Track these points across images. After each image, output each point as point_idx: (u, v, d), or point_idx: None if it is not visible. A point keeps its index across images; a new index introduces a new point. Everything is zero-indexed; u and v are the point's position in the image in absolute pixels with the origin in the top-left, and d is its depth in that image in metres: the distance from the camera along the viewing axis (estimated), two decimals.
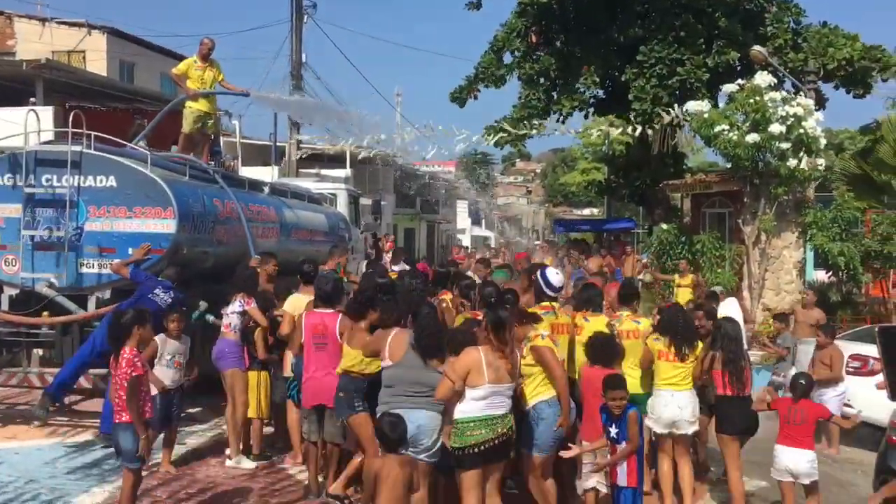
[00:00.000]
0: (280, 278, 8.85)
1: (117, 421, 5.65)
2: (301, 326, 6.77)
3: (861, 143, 24.07)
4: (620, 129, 16.61)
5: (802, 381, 6.40)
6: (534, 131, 18.90)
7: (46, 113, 14.58)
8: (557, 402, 5.76)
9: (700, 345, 6.58)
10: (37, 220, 8.83)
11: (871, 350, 8.74)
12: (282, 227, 11.52)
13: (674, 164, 20.21)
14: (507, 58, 20.42)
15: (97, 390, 8.50)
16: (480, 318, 6.08)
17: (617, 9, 18.87)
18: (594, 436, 5.82)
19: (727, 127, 13.82)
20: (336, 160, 24.91)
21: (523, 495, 6.05)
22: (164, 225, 8.71)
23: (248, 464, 7.57)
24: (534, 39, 19.73)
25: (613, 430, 5.59)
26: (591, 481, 6.01)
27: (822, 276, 16.01)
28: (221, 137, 13.23)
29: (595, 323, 6.63)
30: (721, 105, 15.59)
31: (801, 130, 13.52)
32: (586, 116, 20.11)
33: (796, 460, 6.12)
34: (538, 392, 5.81)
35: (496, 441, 5.30)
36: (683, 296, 12.68)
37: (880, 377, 6.71)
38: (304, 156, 24.45)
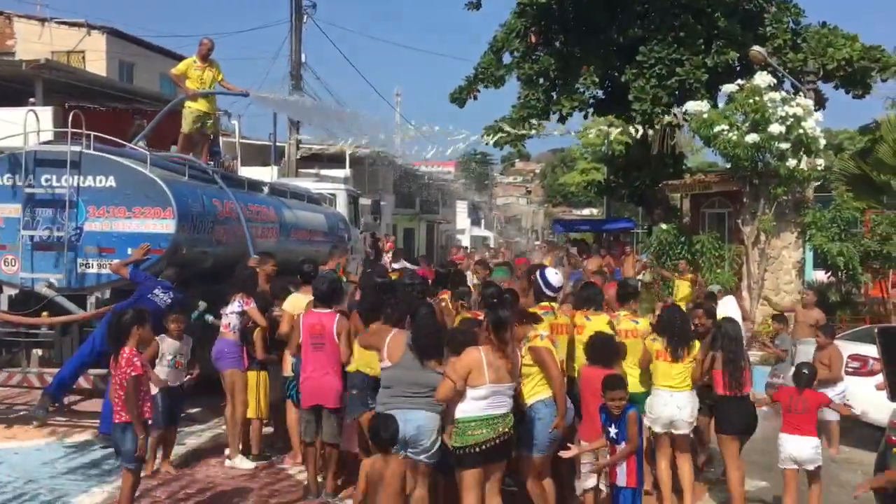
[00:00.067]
0: (278, 278, 8.85)
1: (117, 421, 5.66)
2: (299, 326, 6.77)
3: (860, 144, 24.09)
4: (620, 130, 16.61)
5: (806, 371, 6.45)
6: (533, 131, 18.91)
7: (46, 113, 14.57)
8: (554, 403, 5.76)
9: (697, 345, 6.60)
10: (36, 220, 8.83)
11: (871, 350, 8.73)
12: (281, 228, 11.51)
13: (673, 164, 20.22)
14: (507, 58, 20.43)
15: (97, 390, 8.50)
16: (480, 318, 6.09)
17: (616, 9, 18.87)
18: (593, 436, 5.82)
19: (727, 127, 13.83)
20: (335, 160, 24.91)
21: (522, 493, 6.05)
22: (163, 225, 8.71)
23: (247, 464, 7.56)
24: (533, 40, 19.73)
25: (613, 431, 5.59)
26: (590, 482, 6.01)
27: (821, 276, 16.02)
28: (221, 137, 13.21)
29: (597, 322, 6.64)
30: (720, 105, 15.60)
31: (801, 131, 13.54)
32: (586, 117, 20.15)
33: (800, 447, 6.18)
34: (536, 392, 5.82)
35: (497, 440, 5.30)
36: (683, 295, 12.68)
37: (880, 377, 6.71)
38: (304, 156, 24.44)
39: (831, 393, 8.43)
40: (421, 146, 20.12)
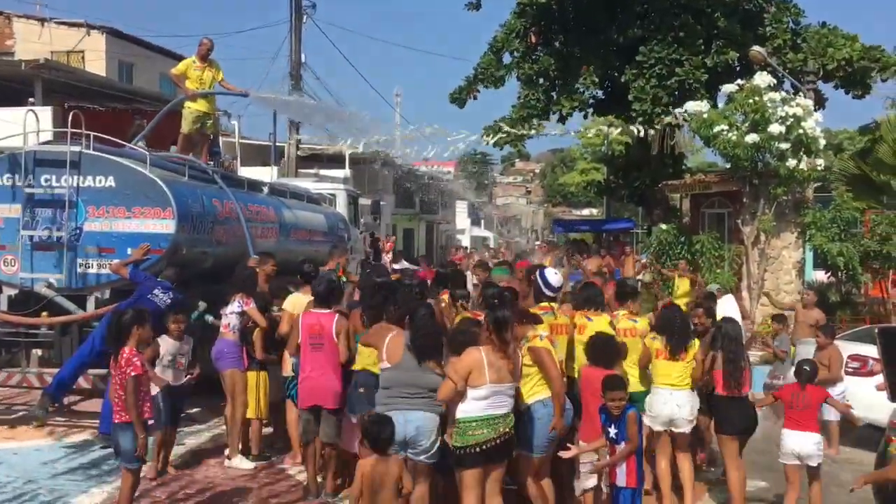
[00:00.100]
0: (278, 278, 8.85)
1: (116, 421, 5.65)
2: (298, 327, 6.77)
3: (860, 144, 24.07)
4: (620, 130, 16.61)
5: (807, 367, 6.48)
6: (533, 131, 18.90)
7: (45, 113, 14.57)
8: (552, 403, 5.76)
9: (697, 343, 6.63)
10: (36, 221, 8.82)
11: (871, 350, 8.73)
12: (281, 228, 11.51)
13: (673, 164, 20.22)
14: (507, 58, 20.41)
15: (96, 391, 8.50)
16: (479, 318, 6.08)
17: (616, 9, 18.87)
18: (593, 436, 5.82)
19: (726, 127, 13.84)
20: (335, 160, 24.91)
21: (522, 493, 6.05)
22: (163, 225, 8.71)
23: (247, 464, 7.56)
24: (533, 40, 19.72)
25: (613, 431, 5.59)
26: (591, 482, 6.00)
27: (821, 276, 16.03)
28: (220, 137, 13.21)
29: (598, 322, 6.64)
30: (720, 105, 15.60)
31: (801, 131, 13.54)
32: (586, 117, 20.14)
33: (802, 443, 6.22)
34: (534, 392, 5.82)
35: (498, 440, 5.31)
36: (682, 292, 12.69)
37: (880, 378, 6.71)
38: (304, 156, 24.43)
39: (831, 393, 8.44)
40: (421, 146, 20.11)
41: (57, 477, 7.21)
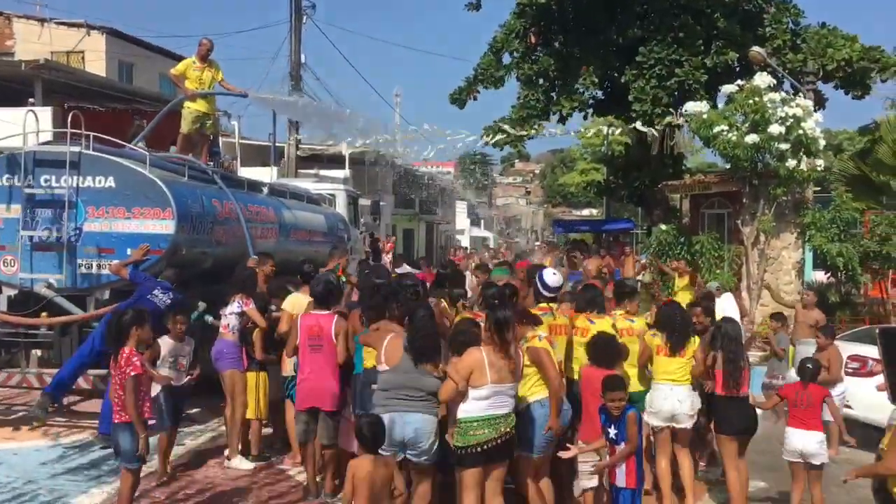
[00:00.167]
0: (277, 278, 8.85)
1: (116, 421, 5.65)
2: (297, 328, 6.76)
3: (860, 144, 24.08)
4: (619, 130, 16.60)
5: (810, 366, 6.51)
6: (533, 131, 18.89)
7: (45, 113, 14.57)
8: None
9: (696, 340, 6.67)
10: (35, 221, 8.82)
11: (870, 351, 8.73)
12: (281, 228, 11.51)
13: (673, 164, 20.21)
14: (507, 59, 20.40)
15: (96, 391, 8.50)
16: (480, 318, 6.08)
17: (616, 9, 18.87)
18: (593, 436, 5.82)
19: (726, 128, 13.83)
20: (335, 161, 24.92)
21: (521, 493, 6.05)
22: (162, 226, 8.71)
23: (246, 465, 7.56)
24: (533, 40, 19.72)
25: (612, 431, 5.59)
26: (592, 482, 6.00)
27: (820, 276, 16.01)
28: (220, 138, 13.22)
29: (600, 325, 6.65)
30: (720, 106, 15.60)
31: (801, 131, 13.53)
32: (585, 117, 20.14)
33: (805, 441, 6.26)
34: (532, 392, 5.82)
35: (499, 440, 5.32)
36: (683, 295, 12.67)
37: (880, 378, 6.71)
38: (304, 156, 24.43)
39: (832, 394, 8.45)
40: (421, 146, 20.09)
41: (57, 477, 7.21)
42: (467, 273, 12.84)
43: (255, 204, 11.08)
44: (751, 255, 14.14)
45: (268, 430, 8.20)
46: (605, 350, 6.02)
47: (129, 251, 8.65)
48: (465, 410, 5.33)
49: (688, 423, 6.55)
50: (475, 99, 20.78)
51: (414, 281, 7.76)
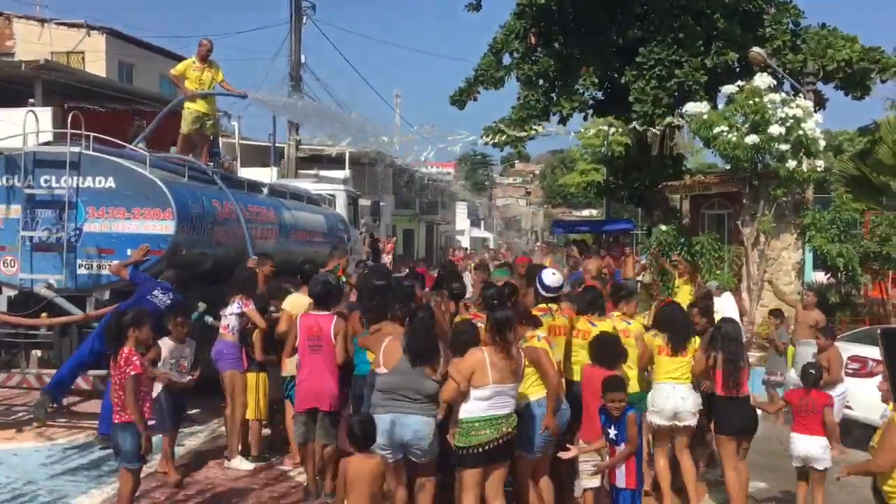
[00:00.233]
0: (276, 279, 8.84)
1: (116, 421, 5.65)
2: (296, 328, 6.76)
3: (860, 145, 24.06)
4: (619, 130, 16.59)
5: (813, 371, 6.53)
6: (533, 131, 18.88)
7: (45, 114, 14.58)
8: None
9: (697, 340, 6.68)
10: (35, 221, 8.82)
11: (870, 352, 8.73)
12: (281, 229, 11.51)
13: (673, 165, 20.19)
14: (507, 59, 20.39)
15: (96, 391, 8.50)
16: (480, 319, 6.08)
17: (616, 10, 18.86)
18: (594, 437, 5.82)
19: (726, 128, 13.81)
20: (335, 161, 24.93)
21: (520, 491, 6.05)
22: (162, 226, 8.71)
23: (246, 465, 7.56)
24: (533, 41, 19.70)
25: (612, 432, 5.59)
26: (593, 482, 6.00)
27: (820, 277, 15.99)
28: (220, 138, 13.22)
29: (602, 327, 6.64)
30: (720, 106, 15.59)
31: (801, 132, 13.52)
32: (585, 118, 20.13)
33: (809, 447, 6.29)
34: (530, 392, 5.82)
35: (500, 441, 5.33)
36: (683, 295, 12.67)
37: (880, 378, 6.70)
38: (304, 156, 24.44)
39: (831, 394, 8.44)
40: (421, 147, 20.10)
41: (56, 478, 7.21)
42: (466, 274, 12.85)
43: (255, 204, 11.08)
44: (751, 256, 14.13)
45: (266, 431, 8.18)
46: (607, 349, 6.01)
47: (129, 252, 8.65)
48: (466, 411, 5.34)
49: (691, 421, 6.57)
50: (475, 100, 20.76)
51: (410, 281, 7.76)
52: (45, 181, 8.81)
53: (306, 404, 6.60)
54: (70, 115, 9.34)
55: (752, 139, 13.46)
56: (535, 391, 5.81)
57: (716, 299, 9.74)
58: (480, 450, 5.29)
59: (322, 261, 10.16)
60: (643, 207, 23.87)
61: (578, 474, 6.05)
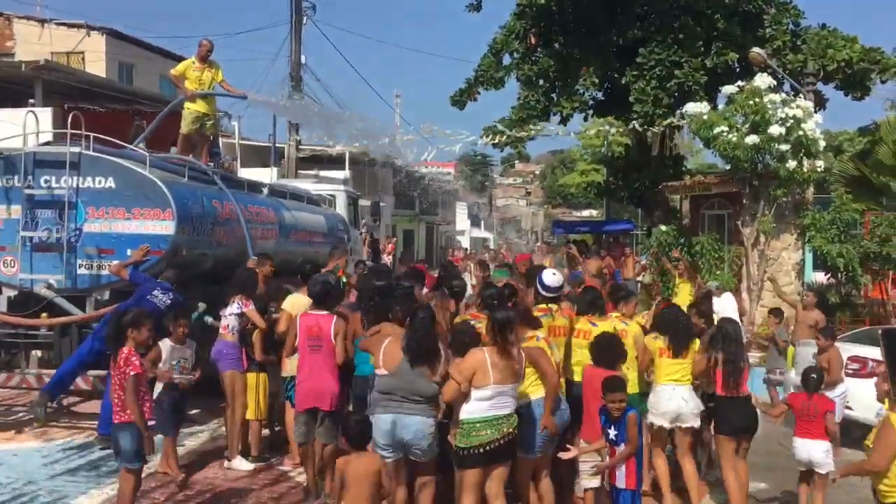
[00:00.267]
0: (276, 279, 8.83)
1: (116, 421, 5.65)
2: (296, 328, 6.76)
3: (860, 145, 24.03)
4: (619, 131, 16.58)
5: (814, 376, 6.53)
6: (533, 131, 18.88)
7: (45, 114, 14.57)
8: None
9: (697, 342, 6.69)
10: (35, 222, 8.82)
11: (870, 352, 8.73)
12: (281, 229, 11.51)
13: (673, 165, 20.18)
14: (507, 60, 20.38)
15: (96, 392, 8.50)
16: (480, 319, 6.07)
17: (616, 10, 18.85)
18: (594, 437, 5.82)
19: (726, 129, 13.82)
20: (335, 161, 24.93)
21: (520, 491, 6.05)
22: (162, 226, 8.71)
23: (246, 465, 7.56)
24: (533, 41, 19.69)
25: (612, 432, 5.59)
26: (594, 482, 6.00)
27: (820, 277, 15.99)
28: (220, 138, 13.22)
29: (603, 327, 6.64)
30: (720, 107, 15.59)
31: (801, 132, 13.52)
32: (586, 118, 20.11)
33: (811, 450, 6.29)
34: (529, 392, 5.82)
35: (501, 441, 5.33)
36: (683, 295, 12.67)
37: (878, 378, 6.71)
38: (304, 157, 24.44)
39: (831, 395, 8.44)
40: (421, 147, 20.07)
41: (56, 478, 7.21)
42: (466, 274, 12.84)
43: (255, 205, 11.08)
44: (751, 256, 14.13)
45: (265, 431, 8.18)
46: (608, 350, 6.01)
47: (129, 252, 8.65)
48: (467, 411, 5.34)
49: (693, 422, 6.57)
50: (475, 100, 20.76)
51: (410, 281, 7.76)
52: (45, 181, 8.81)
53: (307, 404, 6.60)
54: (70, 115, 9.34)
55: (752, 139, 13.46)
56: (534, 391, 5.81)
57: (716, 299, 9.75)
58: (481, 450, 5.29)
59: (322, 261, 10.16)
60: (643, 208, 23.86)
61: (579, 474, 6.04)
